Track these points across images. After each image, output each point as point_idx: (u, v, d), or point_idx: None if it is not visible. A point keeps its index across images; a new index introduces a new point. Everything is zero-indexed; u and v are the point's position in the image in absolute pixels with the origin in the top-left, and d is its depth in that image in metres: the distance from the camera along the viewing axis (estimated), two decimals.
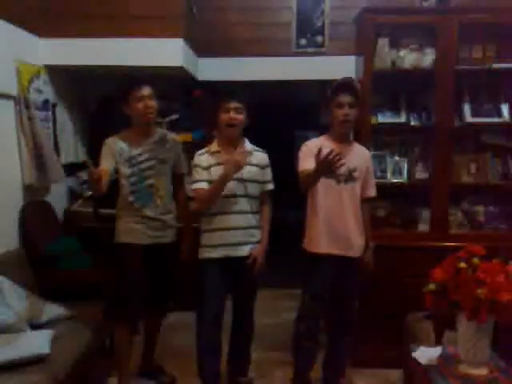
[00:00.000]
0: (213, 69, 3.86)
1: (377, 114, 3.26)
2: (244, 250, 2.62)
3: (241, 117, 2.58)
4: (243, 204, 2.61)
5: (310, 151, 2.55)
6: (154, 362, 3.07)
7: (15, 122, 3.07)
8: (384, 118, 3.28)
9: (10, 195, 3.06)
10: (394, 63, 3.24)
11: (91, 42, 3.33)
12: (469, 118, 3.23)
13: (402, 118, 3.29)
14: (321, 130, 2.70)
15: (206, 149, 2.67)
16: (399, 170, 3.29)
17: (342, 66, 3.43)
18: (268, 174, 2.72)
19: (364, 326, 3.06)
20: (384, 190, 3.05)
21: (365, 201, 2.71)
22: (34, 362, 2.19)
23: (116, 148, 2.67)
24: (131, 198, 2.69)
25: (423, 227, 3.27)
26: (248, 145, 2.69)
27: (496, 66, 3.17)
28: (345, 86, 2.56)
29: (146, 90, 2.64)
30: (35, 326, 2.50)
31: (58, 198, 3.63)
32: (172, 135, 2.92)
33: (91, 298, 2.91)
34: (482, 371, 1.98)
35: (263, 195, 2.72)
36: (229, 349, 2.85)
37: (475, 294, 1.85)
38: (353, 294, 2.73)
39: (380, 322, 3.11)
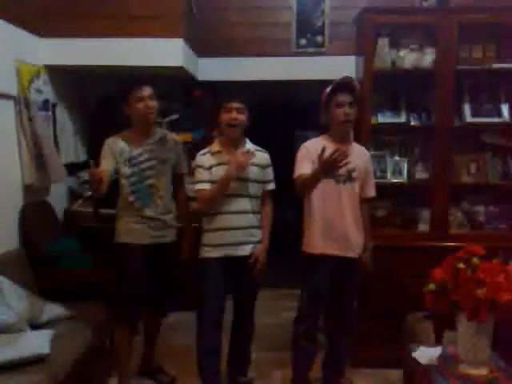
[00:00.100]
0: (213, 69, 3.86)
1: (377, 114, 3.26)
2: (245, 250, 2.62)
3: (242, 117, 2.58)
4: (244, 204, 2.62)
5: (308, 153, 2.56)
6: (153, 361, 3.07)
7: (15, 122, 3.07)
8: (384, 118, 3.28)
9: (10, 195, 3.06)
10: (394, 63, 3.24)
11: (91, 42, 3.33)
12: (469, 118, 3.23)
13: (402, 118, 3.29)
14: (321, 130, 2.70)
15: (207, 149, 2.67)
16: (399, 170, 3.29)
17: (342, 66, 3.43)
18: (269, 173, 2.73)
19: (364, 326, 3.06)
20: (384, 190, 3.06)
21: (364, 201, 2.71)
22: (34, 361, 2.19)
23: (116, 148, 2.67)
24: (131, 198, 2.69)
25: (423, 227, 3.27)
26: (249, 145, 2.69)
27: (496, 65, 3.17)
28: (344, 85, 2.55)
29: (147, 91, 2.64)
30: (35, 326, 2.50)
31: (58, 198, 3.63)
32: (172, 135, 2.93)
33: (91, 298, 2.91)
34: (482, 371, 1.97)
35: (264, 195, 2.72)
36: (229, 349, 2.85)
37: (475, 294, 1.85)
38: (352, 294, 2.73)
39: (380, 321, 3.11)
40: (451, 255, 2.02)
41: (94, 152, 2.85)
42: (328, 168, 2.27)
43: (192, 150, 3.65)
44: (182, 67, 3.39)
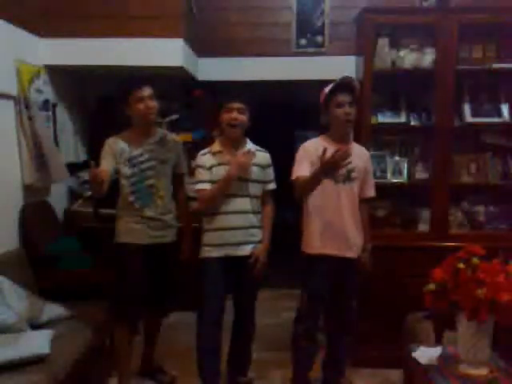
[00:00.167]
0: (213, 69, 3.86)
1: (377, 114, 3.26)
2: (245, 250, 2.62)
3: (243, 117, 2.58)
4: (244, 204, 2.62)
5: (307, 154, 2.55)
6: (153, 361, 3.07)
7: (15, 122, 3.07)
8: (384, 118, 3.28)
9: (10, 195, 3.06)
10: (394, 63, 3.24)
11: (91, 42, 3.33)
12: (469, 118, 3.23)
13: (402, 118, 3.29)
14: (321, 130, 2.70)
15: (208, 149, 2.68)
16: (399, 170, 3.29)
17: (342, 66, 3.43)
18: (270, 173, 2.73)
19: (364, 326, 3.06)
20: (384, 190, 3.06)
21: (363, 201, 2.70)
22: (34, 362, 2.19)
23: (117, 148, 2.67)
24: (131, 198, 2.69)
25: (423, 227, 3.27)
26: (250, 145, 2.69)
27: (496, 65, 3.17)
28: (344, 85, 2.55)
29: (147, 91, 2.64)
30: (35, 326, 2.50)
31: (58, 197, 3.63)
32: (172, 135, 2.93)
33: (91, 298, 2.91)
34: (482, 371, 1.98)
35: (265, 195, 2.72)
36: (229, 349, 2.85)
37: (475, 294, 1.85)
38: (352, 294, 2.72)
39: (380, 321, 3.11)
40: (451, 255, 2.02)
41: (94, 152, 2.85)
42: (330, 168, 2.27)
43: (192, 150, 3.66)
44: (182, 67, 3.39)
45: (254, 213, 2.65)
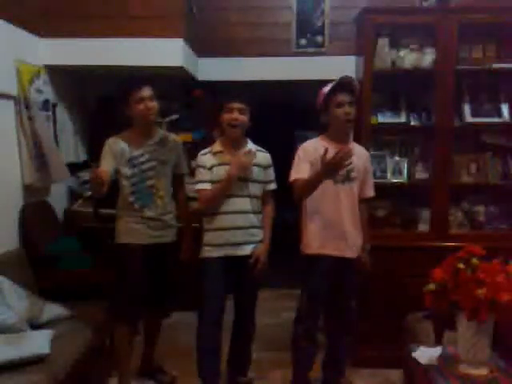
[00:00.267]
0: (213, 69, 3.86)
1: (377, 114, 3.27)
2: (245, 250, 2.62)
3: (244, 117, 2.58)
4: (244, 204, 2.62)
5: (306, 155, 2.55)
6: (154, 362, 3.07)
7: (15, 122, 3.07)
8: (384, 118, 3.28)
9: (10, 195, 3.06)
10: (394, 63, 3.24)
11: (91, 42, 3.33)
12: (469, 118, 3.23)
13: (402, 118, 3.29)
14: (321, 130, 2.70)
15: (208, 149, 2.68)
16: (399, 170, 3.29)
17: (342, 66, 3.42)
18: (270, 174, 2.73)
19: (364, 326, 3.06)
20: (384, 190, 3.06)
21: (363, 201, 2.70)
22: (33, 362, 2.19)
23: (117, 148, 2.67)
24: (131, 199, 2.69)
25: (423, 227, 3.27)
26: (251, 145, 2.69)
27: (496, 65, 3.17)
28: (343, 85, 2.55)
29: (146, 91, 2.64)
30: (35, 326, 2.50)
31: (58, 197, 3.63)
32: (173, 136, 2.92)
33: (91, 298, 2.91)
34: (482, 371, 1.98)
35: (265, 195, 2.72)
36: (229, 349, 2.85)
37: (475, 294, 1.85)
38: (351, 294, 2.72)
39: (380, 321, 3.11)
40: (451, 255, 2.02)
41: (94, 152, 2.85)
42: (331, 169, 2.27)
43: (192, 150, 3.65)
44: (182, 67, 3.39)
45: (254, 213, 2.65)
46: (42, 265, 3.00)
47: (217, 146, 2.66)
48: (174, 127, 3.95)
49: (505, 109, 3.23)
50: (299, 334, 2.67)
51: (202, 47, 3.82)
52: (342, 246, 2.59)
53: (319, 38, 3.81)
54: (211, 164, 2.61)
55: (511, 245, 2.88)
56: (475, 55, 3.28)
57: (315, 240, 2.59)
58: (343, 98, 2.52)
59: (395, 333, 2.87)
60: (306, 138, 2.78)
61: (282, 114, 6.18)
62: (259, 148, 2.72)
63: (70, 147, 3.91)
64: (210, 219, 2.63)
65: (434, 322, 2.55)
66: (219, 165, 2.60)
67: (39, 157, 3.17)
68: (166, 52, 3.33)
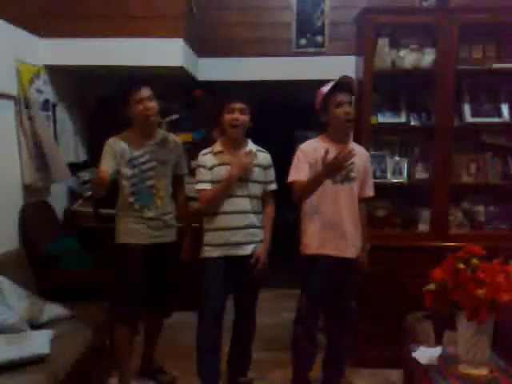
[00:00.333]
0: (213, 69, 3.86)
1: (377, 114, 3.27)
2: (245, 250, 2.62)
3: (244, 117, 2.58)
4: (245, 204, 2.62)
5: (305, 156, 2.55)
6: (154, 362, 3.07)
7: (15, 122, 3.08)
8: (384, 118, 3.28)
9: (10, 195, 3.06)
10: (393, 63, 3.24)
11: (91, 42, 3.33)
12: (469, 118, 3.23)
13: (402, 118, 3.29)
14: (321, 130, 2.70)
15: (209, 149, 2.68)
16: (399, 170, 3.29)
17: (341, 66, 3.42)
18: (271, 174, 2.73)
19: (364, 326, 3.06)
20: (384, 190, 3.06)
21: (362, 201, 2.70)
22: (34, 362, 2.19)
23: (117, 149, 2.67)
24: (131, 199, 2.69)
25: (423, 227, 3.27)
26: (251, 145, 2.69)
27: (496, 65, 3.17)
28: (342, 85, 2.55)
29: (145, 92, 2.64)
30: (35, 326, 2.50)
31: (58, 197, 3.63)
32: (173, 136, 2.92)
33: (91, 298, 2.91)
34: (482, 371, 1.97)
35: (266, 195, 2.72)
36: (229, 349, 2.85)
37: (475, 294, 1.85)
38: (351, 294, 2.72)
39: (380, 321, 3.11)
40: (451, 255, 2.02)
41: (94, 152, 2.85)
42: (332, 170, 2.27)
43: (192, 150, 3.66)
44: (182, 67, 3.39)
45: (254, 213, 2.65)
46: (41, 265, 3.00)
47: (217, 146, 2.66)
48: (173, 127, 3.95)
49: (505, 109, 3.23)
50: (299, 334, 2.67)
51: (202, 47, 3.82)
52: (341, 246, 2.59)
53: (319, 38, 3.81)
54: (212, 164, 2.61)
55: (511, 245, 2.88)
56: (475, 55, 3.28)
57: (315, 240, 2.59)
58: (343, 97, 2.52)
59: (395, 333, 2.87)
60: (306, 138, 2.78)
61: (282, 114, 6.18)
62: (259, 148, 2.72)
63: (69, 147, 3.91)
64: (210, 219, 2.63)
65: (434, 322, 2.55)
66: (220, 165, 2.60)
67: (39, 157, 3.18)
68: (165, 52, 3.33)
